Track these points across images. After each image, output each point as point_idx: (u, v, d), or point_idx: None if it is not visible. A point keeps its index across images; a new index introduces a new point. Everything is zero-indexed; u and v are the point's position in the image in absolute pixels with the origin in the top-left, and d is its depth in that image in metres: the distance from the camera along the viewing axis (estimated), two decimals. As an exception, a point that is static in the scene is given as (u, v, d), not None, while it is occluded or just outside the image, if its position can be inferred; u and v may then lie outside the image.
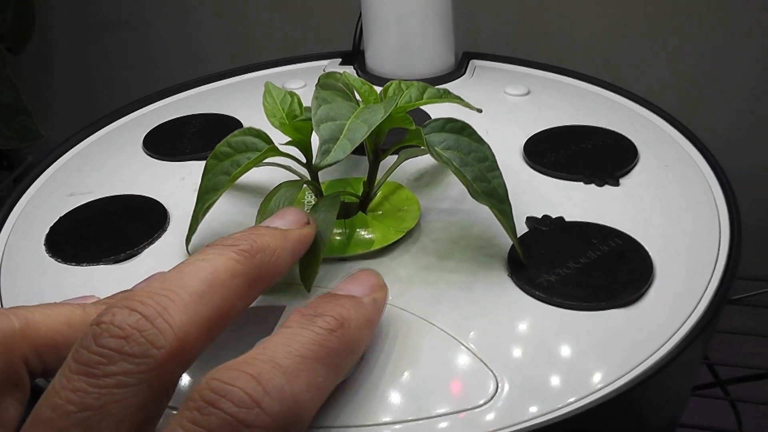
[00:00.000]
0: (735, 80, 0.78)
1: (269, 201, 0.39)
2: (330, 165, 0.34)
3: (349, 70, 0.65)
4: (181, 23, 0.92)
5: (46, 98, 0.97)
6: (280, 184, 0.41)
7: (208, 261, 0.30)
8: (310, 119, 0.40)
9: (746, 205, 0.80)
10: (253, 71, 0.68)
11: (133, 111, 0.62)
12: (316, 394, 0.29)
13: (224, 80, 0.67)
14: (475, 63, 0.66)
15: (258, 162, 0.40)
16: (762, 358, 0.78)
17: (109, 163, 0.54)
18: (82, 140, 0.58)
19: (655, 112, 0.56)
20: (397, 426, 0.32)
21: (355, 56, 0.67)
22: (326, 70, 0.66)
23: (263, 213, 0.39)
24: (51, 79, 0.99)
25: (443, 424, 0.32)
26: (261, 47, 0.91)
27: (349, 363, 0.32)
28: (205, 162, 0.42)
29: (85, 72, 0.99)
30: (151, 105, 0.63)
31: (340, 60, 0.68)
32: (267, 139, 0.41)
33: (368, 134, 0.36)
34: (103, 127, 0.60)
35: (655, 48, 0.78)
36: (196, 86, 0.66)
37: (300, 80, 0.64)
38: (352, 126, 0.36)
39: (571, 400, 0.33)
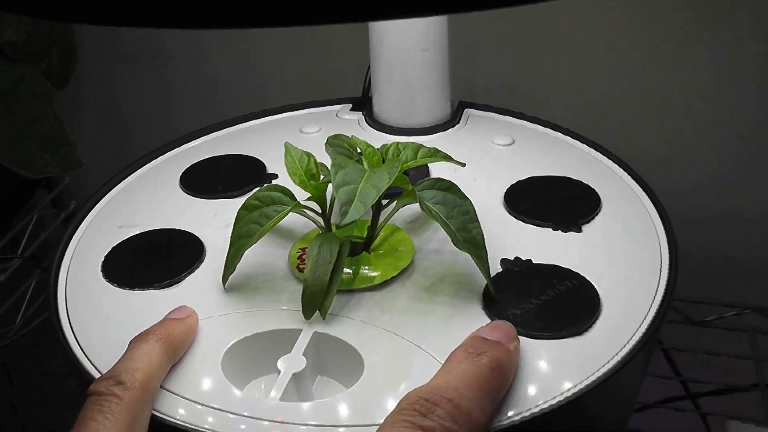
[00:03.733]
0: (719, 131, 0.86)
1: (313, 251, 0.48)
2: (348, 224, 0.44)
3: (358, 115, 0.75)
4: (201, 62, 1.00)
5: (74, 126, 1.05)
6: (317, 236, 0.49)
7: None
8: (326, 180, 0.50)
9: (719, 239, 0.89)
10: (273, 114, 0.77)
11: (168, 151, 0.71)
12: (486, 419, 0.40)
13: (248, 122, 0.76)
14: (468, 112, 0.75)
15: (285, 215, 0.49)
16: (729, 375, 0.87)
17: (151, 199, 0.64)
18: (125, 177, 0.67)
19: (620, 166, 0.65)
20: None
21: (364, 103, 0.76)
22: (338, 115, 0.75)
23: (309, 258, 0.48)
24: (78, 107, 1.08)
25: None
26: (279, 90, 0.99)
27: (501, 396, 0.42)
28: (233, 200, 0.52)
29: (111, 102, 1.07)
30: (184, 145, 0.72)
31: (351, 106, 0.77)
32: (290, 195, 0.50)
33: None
34: (143, 165, 0.69)
35: (636, 103, 0.87)
36: (223, 128, 0.75)
37: (315, 125, 0.73)
38: (363, 190, 0.45)
39: (531, 407, 0.43)
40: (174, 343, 0.45)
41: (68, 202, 1.01)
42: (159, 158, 0.70)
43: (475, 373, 0.40)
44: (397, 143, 0.53)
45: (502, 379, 0.42)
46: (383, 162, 0.52)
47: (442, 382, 0.39)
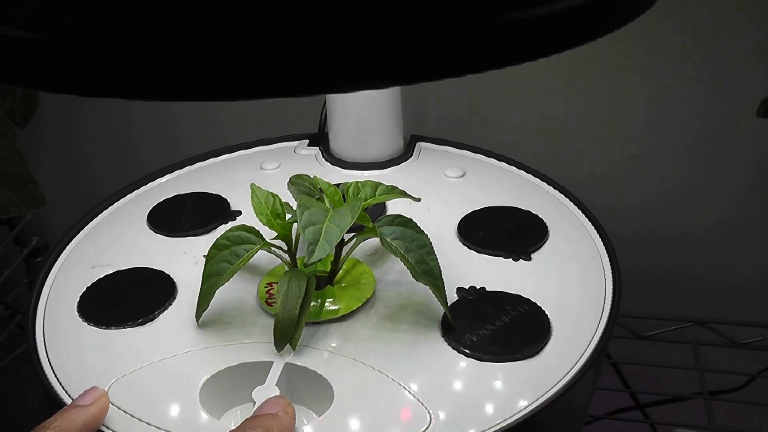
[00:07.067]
0: (656, 155, 0.91)
1: (283, 287, 0.51)
2: (316, 263, 0.47)
3: (315, 150, 0.78)
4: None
5: (33, 164, 1.06)
6: (285, 273, 0.52)
7: None
8: (291, 219, 0.53)
9: (662, 257, 0.93)
10: (234, 151, 0.80)
11: (134, 189, 0.74)
12: None
13: (209, 159, 0.79)
14: (420, 145, 0.78)
15: (254, 253, 0.52)
16: (674, 385, 0.91)
17: (121, 238, 0.66)
18: (94, 218, 0.70)
19: (565, 195, 0.69)
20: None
21: (320, 139, 0.79)
22: (296, 151, 0.78)
23: (280, 294, 0.51)
24: (38, 144, 1.09)
25: (392, 449, 0.45)
26: (238, 126, 1.02)
27: None
28: (200, 237, 0.55)
29: (70, 138, 1.08)
30: (149, 184, 0.75)
31: (308, 141, 0.80)
32: (258, 234, 0.53)
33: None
34: (110, 205, 0.71)
35: (583, 136, 0.91)
36: (186, 165, 0.78)
37: (275, 161, 0.76)
38: (328, 229, 0.48)
39: (490, 425, 0.46)
40: None
41: (30, 238, 1.02)
42: (125, 197, 0.73)
43: None
44: (357, 182, 0.56)
45: None
46: (344, 199, 0.55)
47: None
